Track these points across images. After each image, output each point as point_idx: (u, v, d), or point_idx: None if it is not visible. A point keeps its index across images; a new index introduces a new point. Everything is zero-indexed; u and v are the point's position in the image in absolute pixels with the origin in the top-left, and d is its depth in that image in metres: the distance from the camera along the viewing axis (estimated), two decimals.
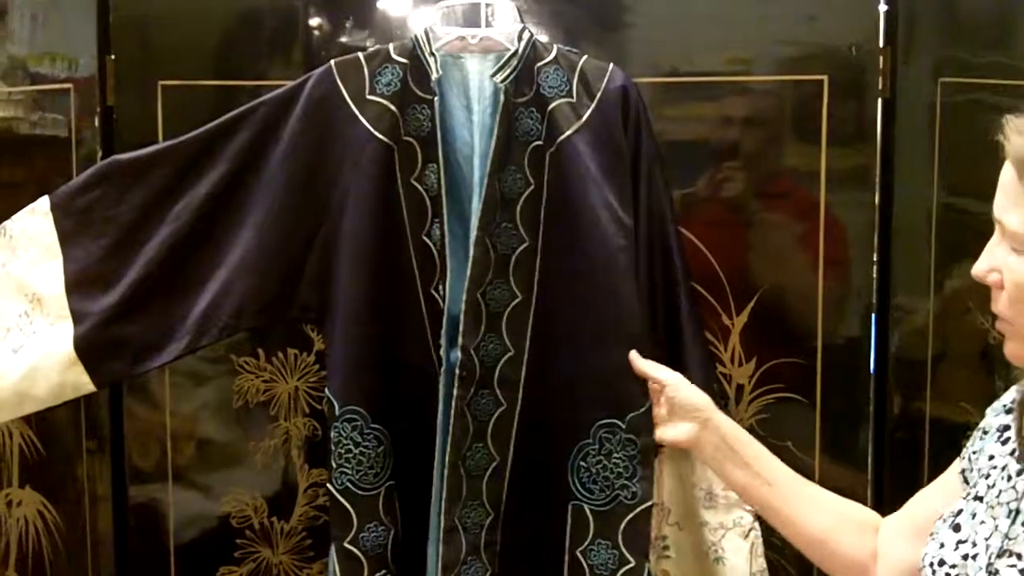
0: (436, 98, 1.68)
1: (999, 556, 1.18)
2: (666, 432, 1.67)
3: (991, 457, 1.27)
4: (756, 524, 1.77)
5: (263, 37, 2.12)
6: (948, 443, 2.08)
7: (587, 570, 1.70)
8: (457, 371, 1.67)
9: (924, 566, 1.26)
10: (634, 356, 1.67)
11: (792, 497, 1.53)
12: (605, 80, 1.71)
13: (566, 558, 1.71)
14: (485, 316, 1.68)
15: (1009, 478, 1.22)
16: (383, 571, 1.69)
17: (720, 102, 2.08)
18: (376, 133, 1.68)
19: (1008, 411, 1.30)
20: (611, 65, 1.74)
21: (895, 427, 2.11)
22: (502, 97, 1.67)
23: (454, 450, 1.68)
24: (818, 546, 1.49)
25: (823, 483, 1.60)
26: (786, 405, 2.08)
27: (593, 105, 1.70)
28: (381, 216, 1.68)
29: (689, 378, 1.67)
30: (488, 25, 1.76)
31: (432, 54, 1.70)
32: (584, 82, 1.71)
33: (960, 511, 1.27)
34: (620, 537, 1.69)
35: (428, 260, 1.70)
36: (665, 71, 2.07)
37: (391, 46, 1.73)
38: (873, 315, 2.10)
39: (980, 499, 1.25)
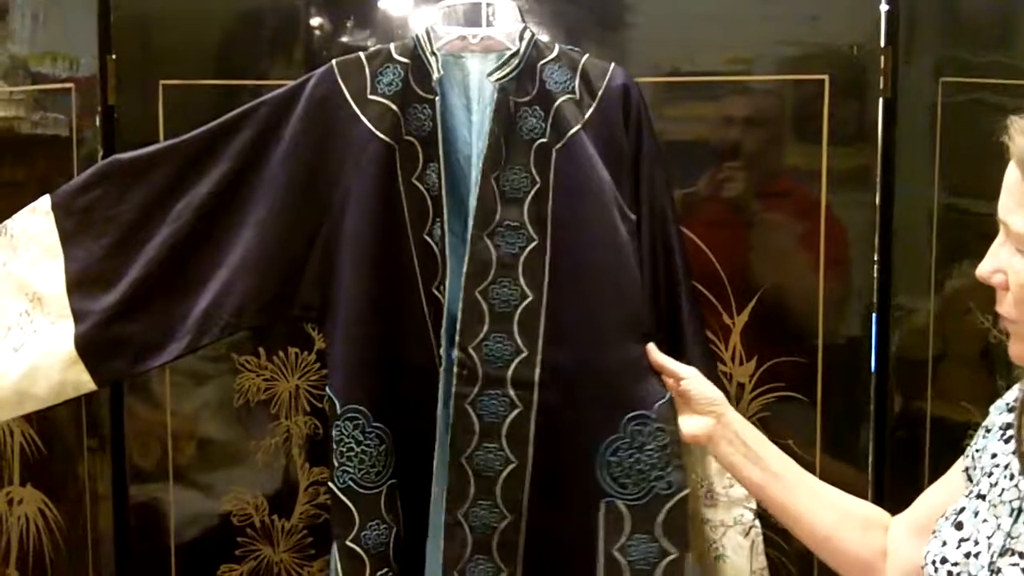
0: (437, 98, 1.68)
1: (1001, 554, 1.18)
2: (684, 425, 1.66)
3: (994, 455, 1.27)
4: (757, 522, 1.77)
5: (264, 37, 2.12)
6: (949, 442, 2.08)
7: (626, 567, 1.68)
8: (456, 369, 1.67)
9: (926, 564, 1.26)
10: (651, 348, 1.68)
11: (801, 494, 1.53)
12: (606, 79, 1.72)
13: (600, 558, 1.69)
14: (489, 315, 1.68)
15: (1011, 476, 1.22)
16: (385, 569, 1.69)
17: (721, 102, 2.08)
18: (377, 132, 1.68)
19: (1011, 409, 1.30)
20: (612, 64, 1.74)
21: (896, 426, 2.11)
22: (496, 96, 1.67)
23: (454, 448, 1.67)
24: (825, 543, 1.49)
25: (824, 482, 1.60)
26: (787, 404, 2.08)
27: (595, 104, 1.70)
28: (382, 215, 1.68)
29: None
30: (489, 25, 1.76)
31: (433, 54, 1.70)
32: (586, 80, 1.71)
33: (962, 509, 1.27)
34: (659, 529, 1.66)
35: (430, 259, 1.70)
36: (666, 71, 2.07)
37: (392, 46, 1.73)
38: (874, 314, 2.10)
39: (982, 497, 1.25)
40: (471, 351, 1.68)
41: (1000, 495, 1.22)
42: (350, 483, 1.69)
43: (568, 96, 1.70)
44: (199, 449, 2.19)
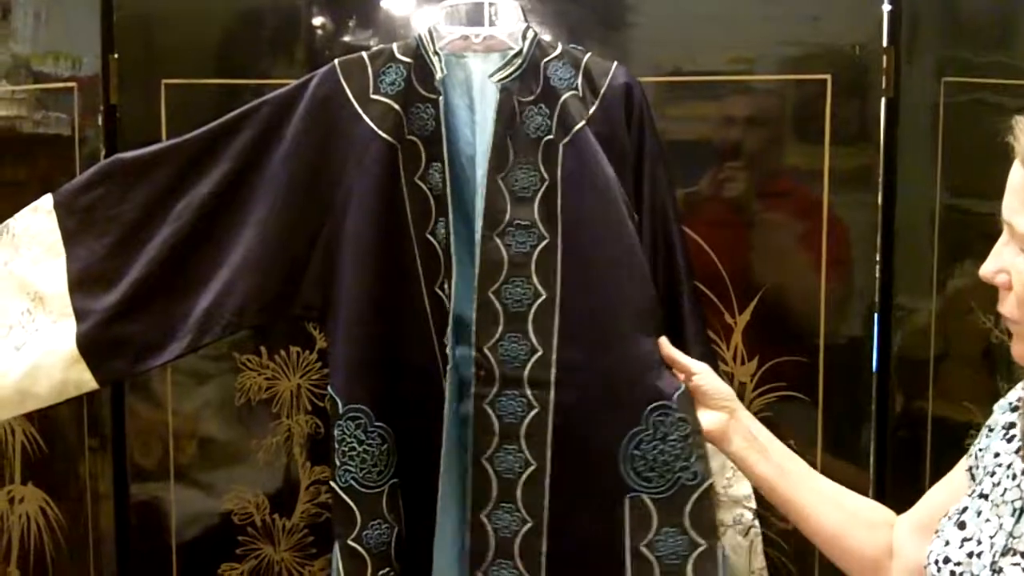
0: (440, 97, 1.69)
1: (1003, 554, 1.18)
2: (699, 419, 1.66)
3: (996, 455, 1.27)
4: (756, 522, 1.77)
5: (266, 36, 2.12)
6: (950, 442, 2.08)
7: (655, 563, 1.65)
8: (473, 370, 1.67)
9: (929, 563, 1.26)
10: (663, 342, 1.66)
11: (809, 492, 1.53)
12: (609, 77, 1.72)
13: (627, 556, 1.66)
14: (503, 315, 1.68)
15: (1014, 476, 1.22)
16: (387, 569, 1.69)
17: (723, 102, 2.08)
18: (380, 132, 1.68)
19: (1014, 409, 1.30)
20: (615, 63, 1.74)
21: (897, 426, 2.11)
22: (498, 96, 1.68)
23: (475, 449, 1.68)
24: (833, 540, 1.49)
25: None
26: (788, 404, 2.08)
27: (597, 102, 1.70)
28: (385, 215, 1.68)
29: None
30: (492, 24, 1.76)
31: (436, 53, 1.70)
32: (588, 78, 1.71)
33: (965, 509, 1.27)
34: (688, 521, 1.64)
35: (432, 259, 1.70)
36: (668, 70, 2.07)
37: (395, 45, 1.73)
38: (875, 314, 2.11)
39: (985, 497, 1.25)
40: (487, 352, 1.68)
41: (1003, 495, 1.22)
42: (352, 482, 1.68)
43: (572, 92, 1.70)
44: (200, 448, 2.19)
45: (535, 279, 1.68)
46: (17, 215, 1.75)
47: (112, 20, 2.09)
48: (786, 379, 2.08)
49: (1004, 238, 1.20)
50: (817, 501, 1.51)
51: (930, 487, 1.47)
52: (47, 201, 1.73)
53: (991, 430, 1.32)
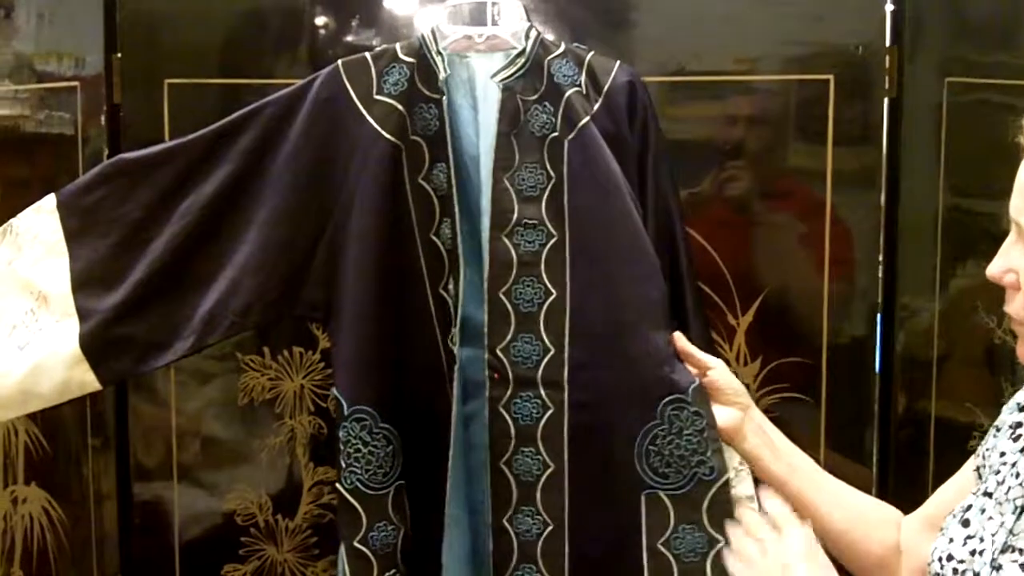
0: (443, 97, 1.68)
1: (1003, 551, 1.18)
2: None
3: (1003, 454, 1.28)
4: None
5: (269, 36, 2.12)
6: (953, 443, 2.08)
7: (673, 561, 1.63)
8: (486, 372, 1.67)
9: (933, 560, 1.26)
10: (678, 337, 1.65)
11: (819, 490, 1.53)
12: (612, 75, 1.71)
13: (644, 554, 1.64)
14: (514, 316, 1.68)
15: (1017, 475, 1.23)
16: (392, 570, 1.69)
17: (726, 101, 2.08)
18: (383, 133, 1.68)
19: (1021, 408, 1.30)
20: (618, 62, 1.74)
21: (900, 427, 2.11)
22: (500, 95, 1.68)
23: (493, 452, 1.68)
24: (840, 539, 1.49)
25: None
26: (791, 404, 2.08)
27: (600, 99, 1.70)
28: (389, 215, 1.68)
29: None
30: (494, 24, 1.76)
31: (439, 53, 1.70)
32: (591, 76, 1.71)
33: (970, 507, 1.27)
34: (705, 517, 1.62)
35: (436, 260, 1.70)
36: (671, 70, 2.07)
37: (398, 45, 1.73)
38: (879, 315, 2.11)
39: (989, 495, 1.25)
40: (499, 353, 1.68)
41: (1006, 493, 1.23)
42: (357, 484, 1.68)
43: (575, 89, 1.70)
44: (203, 448, 2.19)
45: (545, 278, 1.68)
46: (20, 215, 1.75)
47: (115, 20, 2.09)
48: (789, 380, 2.08)
49: (1012, 238, 1.20)
50: (826, 499, 1.51)
51: (933, 487, 1.47)
52: (50, 201, 1.72)
53: (999, 430, 1.32)
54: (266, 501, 2.18)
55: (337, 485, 1.71)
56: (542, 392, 1.68)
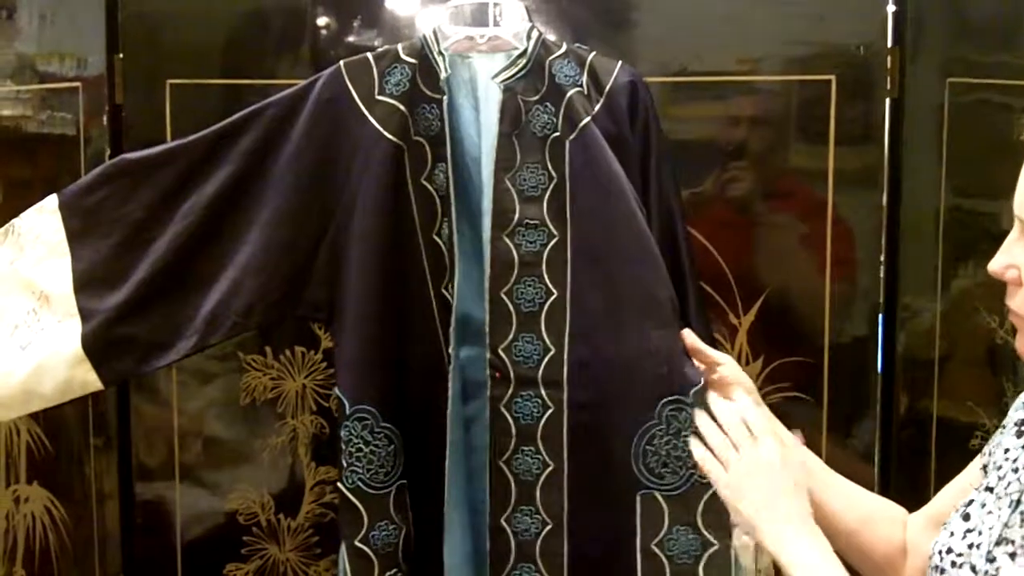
0: (444, 97, 1.69)
1: (997, 544, 1.19)
2: None
3: (1007, 450, 1.28)
4: None
5: (271, 36, 2.12)
6: (955, 442, 2.09)
7: (666, 563, 1.63)
8: (488, 372, 1.67)
9: (933, 553, 1.27)
10: (688, 334, 1.64)
11: (828, 489, 1.52)
12: (613, 76, 1.71)
13: (638, 556, 1.64)
14: (516, 316, 1.68)
15: (1016, 469, 1.23)
16: (394, 570, 1.69)
17: (727, 102, 2.08)
18: (386, 133, 1.68)
19: None
20: (619, 62, 1.74)
21: (902, 426, 2.11)
22: (501, 96, 1.68)
23: (493, 451, 1.68)
24: (849, 538, 1.48)
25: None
26: (793, 404, 2.08)
27: (602, 99, 1.70)
28: (391, 216, 1.68)
29: None
30: (496, 24, 1.76)
31: (441, 53, 1.70)
32: (593, 77, 1.71)
33: (971, 501, 1.28)
34: (700, 519, 1.62)
35: (439, 260, 1.70)
36: (673, 70, 2.07)
37: (400, 46, 1.73)
38: (880, 315, 2.11)
39: (991, 490, 1.26)
40: (501, 353, 1.68)
41: (1006, 488, 1.23)
42: (359, 483, 1.68)
43: (577, 90, 1.70)
44: (205, 448, 2.19)
45: (546, 278, 1.68)
46: (22, 215, 1.75)
47: (117, 20, 2.10)
48: (791, 379, 2.08)
49: (1015, 234, 1.20)
50: (837, 500, 1.51)
51: (935, 487, 1.47)
52: (52, 201, 1.72)
53: (1005, 427, 1.32)
54: (268, 501, 2.18)
55: (339, 484, 1.71)
56: (542, 391, 1.68)
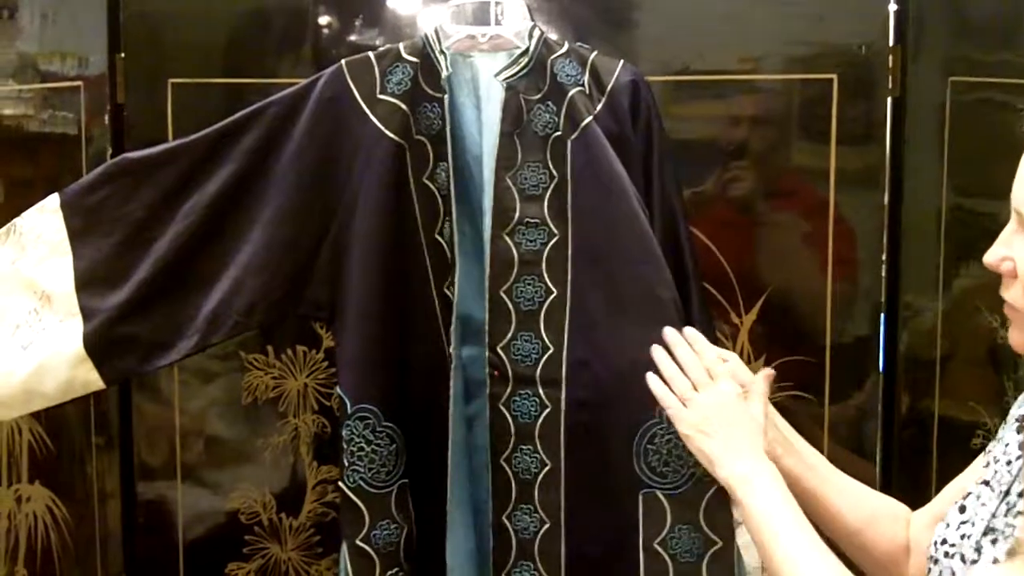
0: (445, 96, 1.69)
1: (984, 534, 1.20)
2: None
3: (1007, 445, 1.28)
4: None
5: (273, 35, 2.13)
6: (956, 441, 2.09)
7: (669, 562, 1.62)
8: (487, 370, 1.67)
9: (931, 544, 1.28)
10: (691, 331, 1.63)
11: (832, 488, 1.52)
12: (615, 75, 1.71)
13: (641, 555, 1.63)
14: (515, 315, 1.68)
15: (1009, 462, 1.24)
16: (395, 569, 1.69)
17: (729, 101, 2.08)
18: (387, 132, 1.68)
19: None
20: (621, 61, 1.74)
21: (904, 426, 2.12)
22: (503, 95, 1.68)
23: (494, 450, 1.68)
24: (853, 537, 1.48)
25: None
26: (795, 403, 2.08)
27: (604, 99, 1.69)
28: (393, 215, 1.68)
29: None
30: (498, 23, 1.76)
31: (442, 52, 1.70)
32: (595, 76, 1.71)
33: (969, 494, 1.29)
34: (702, 518, 1.61)
35: (441, 259, 1.70)
36: (674, 69, 2.08)
37: (401, 45, 1.73)
38: (882, 314, 2.11)
39: (987, 483, 1.26)
40: (500, 351, 1.68)
41: (999, 480, 1.24)
42: (360, 483, 1.68)
43: (579, 89, 1.70)
44: (207, 447, 2.20)
45: (546, 277, 1.68)
46: (24, 214, 1.75)
47: (119, 19, 2.10)
48: (792, 379, 2.08)
49: (1012, 226, 1.20)
50: (842, 499, 1.51)
51: (937, 486, 1.47)
52: (53, 201, 1.72)
53: (1007, 423, 1.33)
54: (270, 500, 2.19)
55: (340, 484, 1.71)
56: (540, 390, 1.68)
